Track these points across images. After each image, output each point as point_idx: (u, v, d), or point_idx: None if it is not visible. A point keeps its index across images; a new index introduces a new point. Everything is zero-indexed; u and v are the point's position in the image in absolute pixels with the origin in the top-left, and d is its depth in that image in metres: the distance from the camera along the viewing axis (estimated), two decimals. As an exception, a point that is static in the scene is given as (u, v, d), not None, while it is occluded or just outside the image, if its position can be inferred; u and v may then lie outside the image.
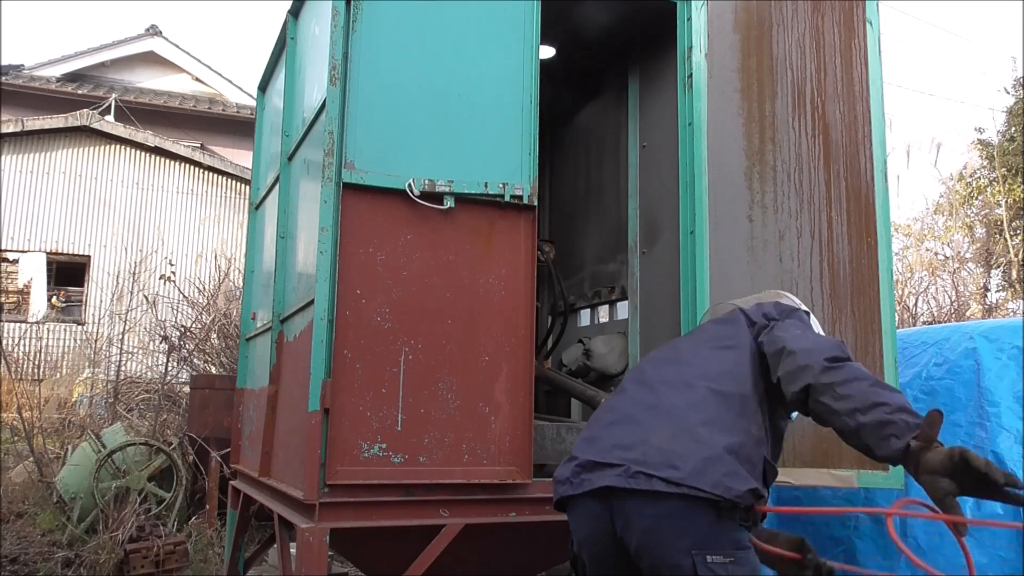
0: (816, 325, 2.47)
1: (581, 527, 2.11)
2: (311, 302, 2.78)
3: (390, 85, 2.90)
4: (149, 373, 8.00)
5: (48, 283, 11.85)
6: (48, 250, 11.98)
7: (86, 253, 12.13)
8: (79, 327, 10.50)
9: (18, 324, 10.33)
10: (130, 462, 5.56)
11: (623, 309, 4.40)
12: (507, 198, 2.97)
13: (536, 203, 3.06)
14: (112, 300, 8.98)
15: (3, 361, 7.36)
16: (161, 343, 7.51)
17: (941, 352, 3.78)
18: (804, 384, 2.05)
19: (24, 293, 11.72)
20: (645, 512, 1.95)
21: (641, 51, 4.39)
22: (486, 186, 2.95)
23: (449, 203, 2.89)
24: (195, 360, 7.45)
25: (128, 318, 7.96)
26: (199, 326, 7.71)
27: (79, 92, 14.12)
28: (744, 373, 2.20)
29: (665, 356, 2.38)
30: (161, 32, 15.73)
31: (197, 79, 15.94)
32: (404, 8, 2.96)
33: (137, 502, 5.27)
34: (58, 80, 14.61)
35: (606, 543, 2.06)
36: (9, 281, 11.85)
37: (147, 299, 8.14)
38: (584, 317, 4.88)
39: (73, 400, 8.19)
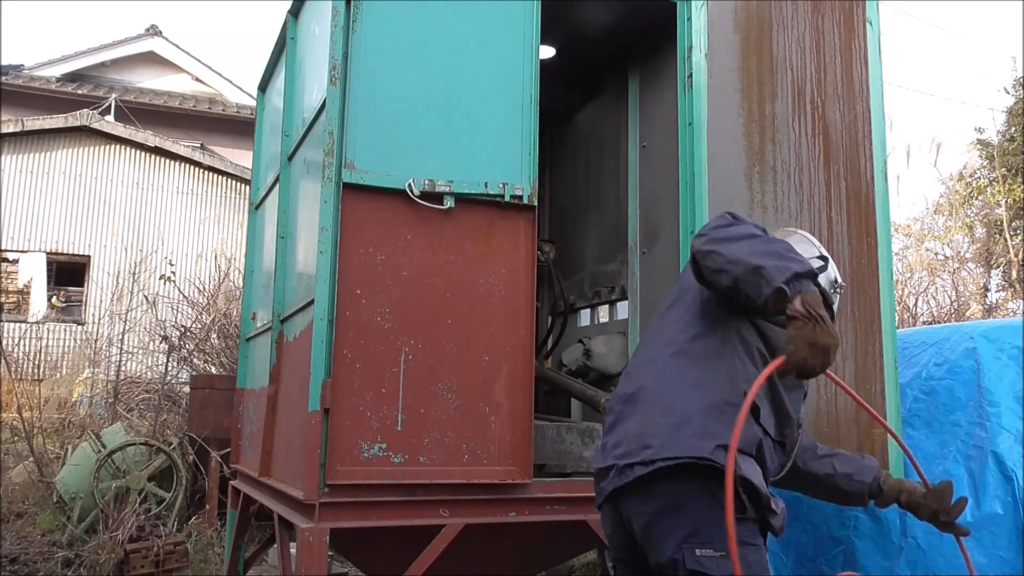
0: (833, 270, 2.36)
1: (607, 531, 2.15)
2: (311, 302, 2.78)
3: (390, 85, 2.90)
4: (149, 373, 8.00)
5: (48, 283, 11.84)
6: (48, 250, 11.98)
7: (86, 253, 12.13)
8: (79, 327, 10.50)
9: (18, 324, 10.33)
10: (130, 462, 5.56)
11: (623, 309, 4.40)
12: (507, 198, 2.97)
13: (536, 203, 3.06)
14: (112, 300, 8.98)
15: (3, 361, 7.36)
16: (161, 343, 7.51)
17: (941, 352, 3.77)
18: (696, 252, 1.99)
19: (24, 293, 11.71)
20: (641, 510, 1.94)
21: (641, 51, 4.39)
22: (486, 186, 2.95)
23: (449, 203, 2.89)
24: (195, 360, 7.45)
25: (128, 318, 7.96)
26: (199, 326, 7.71)
27: (79, 92, 14.12)
28: (703, 320, 2.07)
29: (642, 339, 2.32)
30: (161, 32, 15.72)
31: (197, 79, 15.94)
32: (404, 8, 2.96)
33: (137, 502, 5.27)
34: (58, 80, 14.60)
35: (626, 544, 2.09)
36: (9, 281, 11.85)
37: (147, 299, 8.14)
38: (584, 317, 4.88)
39: (73, 400, 8.19)
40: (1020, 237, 12.15)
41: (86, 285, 12.04)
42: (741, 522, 1.83)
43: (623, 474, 1.92)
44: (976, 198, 12.90)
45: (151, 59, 15.71)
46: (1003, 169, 12.14)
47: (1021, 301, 11.26)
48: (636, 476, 1.89)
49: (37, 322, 10.60)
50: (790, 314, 1.81)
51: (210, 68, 16.14)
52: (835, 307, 2.31)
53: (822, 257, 2.35)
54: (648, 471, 1.87)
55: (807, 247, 2.38)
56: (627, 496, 1.95)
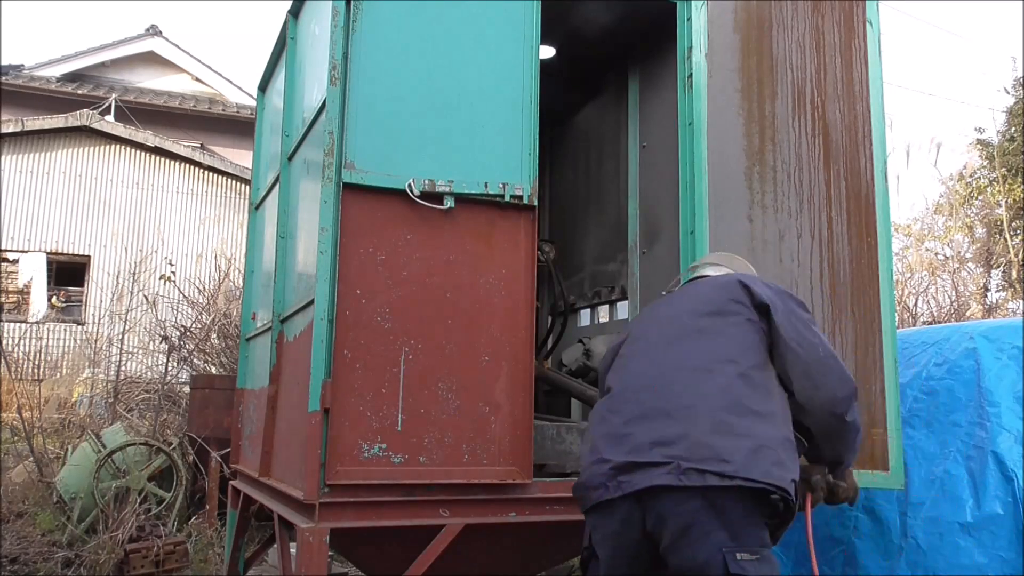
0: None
1: (610, 526, 2.11)
2: (311, 302, 2.78)
3: (390, 85, 2.90)
4: (149, 373, 8.00)
5: (48, 283, 11.84)
6: (48, 250, 11.98)
7: (86, 253, 12.13)
8: (79, 327, 10.50)
9: (18, 324, 10.33)
10: (130, 462, 5.56)
11: (623, 309, 4.40)
12: (507, 198, 2.97)
13: (536, 203, 3.06)
14: (112, 300, 8.98)
15: (3, 361, 7.36)
16: (161, 343, 7.51)
17: (941, 352, 3.78)
18: (827, 412, 2.24)
19: (24, 293, 11.71)
20: (680, 508, 1.98)
21: (641, 51, 4.39)
22: (486, 186, 2.95)
23: (449, 203, 2.89)
24: (195, 360, 7.45)
25: (128, 318, 7.96)
26: (199, 326, 7.70)
27: (79, 92, 14.12)
28: (760, 351, 2.21)
29: (668, 331, 2.32)
30: (161, 32, 15.72)
31: (197, 79, 15.93)
32: (404, 8, 2.96)
33: (137, 502, 5.27)
34: (58, 80, 14.60)
35: (633, 540, 2.08)
36: (9, 281, 11.84)
37: (147, 299, 8.14)
38: (584, 317, 4.88)
39: (73, 400, 8.19)
40: (1020, 237, 12.15)
41: (86, 285, 12.04)
42: (765, 526, 2.03)
43: (686, 475, 1.96)
44: (976, 198, 12.90)
45: (151, 59, 15.71)
46: (1003, 169, 12.14)
47: (1021, 301, 11.26)
48: (709, 484, 1.95)
49: (37, 322, 10.60)
50: (849, 469, 2.50)
51: (210, 68, 16.14)
52: None
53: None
54: (725, 484, 1.95)
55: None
56: (670, 493, 1.98)
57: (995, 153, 12.45)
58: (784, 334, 2.22)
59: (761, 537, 2.00)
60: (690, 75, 3.39)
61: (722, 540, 1.94)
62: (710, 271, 2.60)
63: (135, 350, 8.16)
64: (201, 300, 8.21)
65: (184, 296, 8.22)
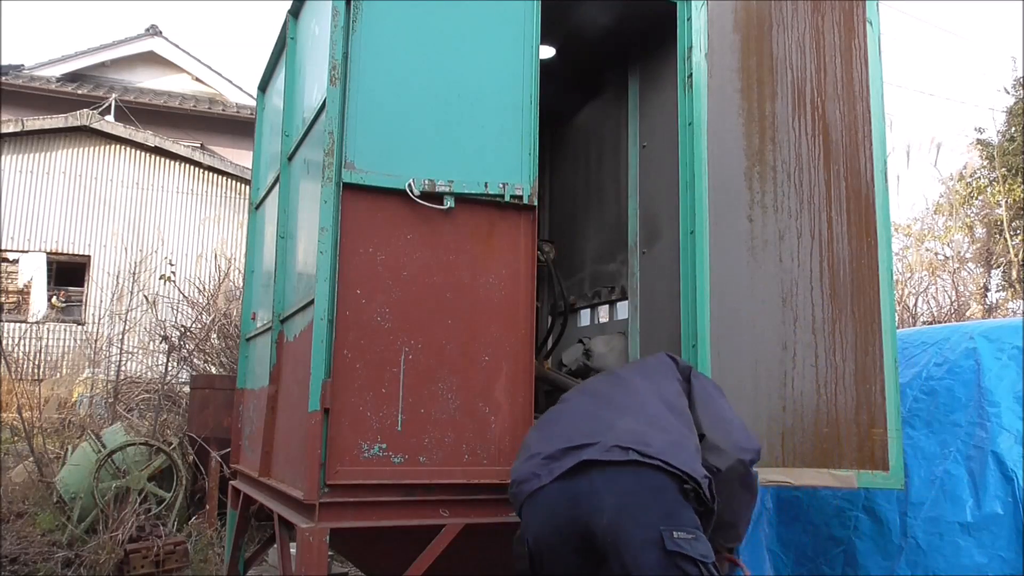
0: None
1: (544, 518, 2.22)
2: (311, 302, 2.78)
3: (390, 85, 2.90)
4: (149, 373, 8.00)
5: (48, 283, 11.84)
6: (48, 250, 11.98)
7: (86, 253, 12.13)
8: (79, 327, 10.50)
9: (18, 324, 10.33)
10: (130, 462, 5.56)
11: (623, 309, 4.40)
12: (507, 198, 2.97)
13: (536, 203, 3.06)
14: (112, 300, 8.98)
15: (3, 361, 7.36)
16: (161, 343, 7.51)
17: (941, 352, 3.78)
18: (717, 463, 2.38)
19: (24, 293, 11.71)
20: (616, 486, 2.10)
21: (641, 51, 4.39)
22: (486, 186, 2.95)
23: (449, 203, 2.89)
24: (195, 360, 7.45)
25: (128, 318, 7.96)
26: (199, 326, 7.71)
27: (79, 92, 14.12)
28: (681, 400, 2.53)
29: (604, 381, 2.72)
30: (161, 32, 15.73)
31: (197, 79, 15.94)
32: (404, 8, 2.96)
33: (137, 502, 5.28)
34: (58, 80, 14.61)
35: (570, 530, 2.16)
36: (9, 281, 11.85)
37: (147, 299, 8.14)
38: (584, 317, 4.88)
39: (73, 400, 8.19)
40: (1020, 237, 12.15)
41: (86, 285, 12.04)
42: (697, 512, 2.17)
43: (611, 452, 2.15)
44: (976, 198, 12.90)
45: (151, 59, 15.72)
46: (1003, 169, 12.14)
47: (1021, 301, 11.26)
48: (630, 459, 2.13)
49: (37, 322, 10.60)
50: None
51: (210, 68, 16.15)
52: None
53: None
54: (646, 462, 2.12)
55: None
56: (604, 470, 2.15)
57: (995, 153, 12.45)
58: (701, 391, 2.60)
59: (693, 519, 2.11)
60: (690, 75, 3.39)
61: (658, 518, 2.05)
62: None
63: (135, 350, 8.17)
64: (201, 300, 8.21)
65: (184, 296, 8.22)
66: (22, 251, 11.89)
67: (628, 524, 2.05)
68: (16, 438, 7.00)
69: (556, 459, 2.23)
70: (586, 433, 2.27)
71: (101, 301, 10.10)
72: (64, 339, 10.23)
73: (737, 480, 2.41)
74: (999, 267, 12.10)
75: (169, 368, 7.24)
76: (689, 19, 3.43)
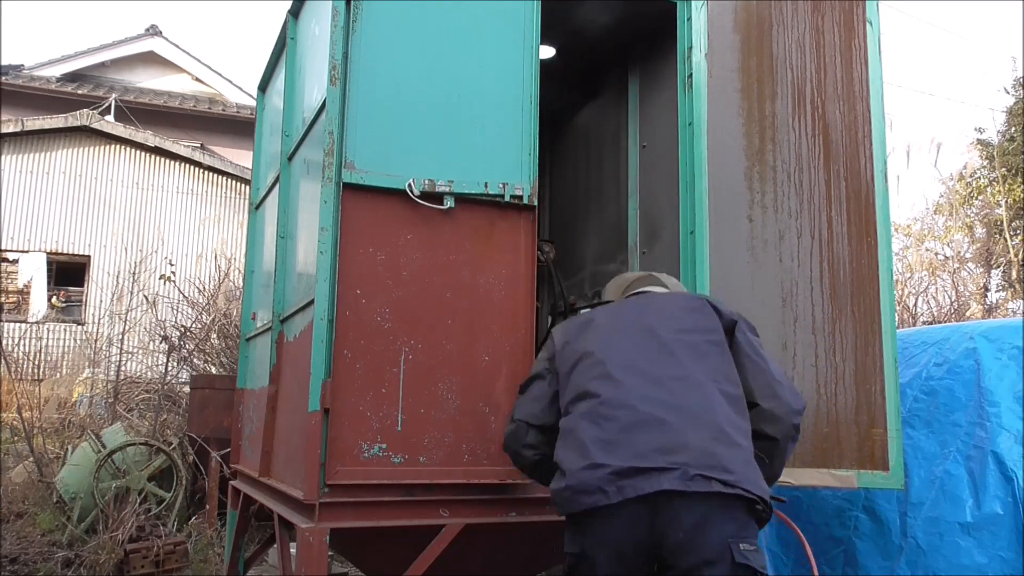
0: None
1: (610, 529, 2.12)
2: (311, 302, 2.78)
3: (390, 85, 2.90)
4: (149, 373, 8.00)
5: (48, 283, 11.84)
6: (48, 250, 11.98)
7: (86, 253, 12.12)
8: (79, 327, 10.49)
9: (18, 324, 10.32)
10: (130, 462, 5.56)
11: (623, 309, 4.39)
12: (507, 198, 2.97)
13: (536, 203, 3.06)
14: (112, 300, 8.98)
15: (3, 361, 7.36)
16: (161, 343, 7.51)
17: (941, 352, 3.78)
18: (774, 432, 2.34)
19: (24, 293, 11.71)
20: (695, 508, 2.06)
21: (641, 51, 4.39)
22: (486, 186, 2.95)
23: (449, 203, 2.89)
24: (195, 360, 7.45)
25: (128, 318, 7.96)
26: (199, 326, 7.70)
27: (79, 92, 14.11)
28: (734, 375, 2.35)
29: (648, 345, 2.37)
30: (161, 32, 15.72)
31: (197, 79, 15.93)
32: (404, 8, 2.96)
33: (137, 502, 5.27)
34: (58, 80, 14.60)
35: (637, 541, 2.12)
36: (9, 281, 11.84)
37: (147, 299, 8.14)
38: (584, 317, 4.87)
39: (73, 400, 8.19)
40: (1020, 237, 12.15)
41: (86, 285, 12.04)
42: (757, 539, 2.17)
43: (694, 481, 2.05)
44: (976, 198, 12.89)
45: (151, 59, 15.71)
46: (1003, 169, 12.13)
47: (1021, 301, 11.26)
48: (713, 491, 2.06)
49: (37, 322, 10.60)
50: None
51: (210, 68, 16.14)
52: None
53: None
54: (728, 492, 2.07)
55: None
56: (685, 500, 2.06)
57: (995, 153, 12.45)
58: (748, 350, 2.41)
59: (756, 530, 2.14)
60: (690, 75, 3.39)
61: (730, 532, 2.06)
62: (656, 288, 2.71)
63: (135, 350, 8.16)
64: (201, 300, 8.20)
65: (184, 296, 8.22)
66: (22, 251, 11.89)
67: (701, 540, 2.06)
68: (16, 438, 7.00)
69: (627, 477, 2.07)
70: (659, 448, 2.10)
71: (101, 301, 10.09)
72: (64, 339, 10.23)
73: (789, 441, 2.38)
74: (999, 267, 12.10)
75: (169, 368, 7.24)
76: (689, 19, 3.44)
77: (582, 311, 2.76)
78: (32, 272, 11.77)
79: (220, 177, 12.87)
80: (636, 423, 2.16)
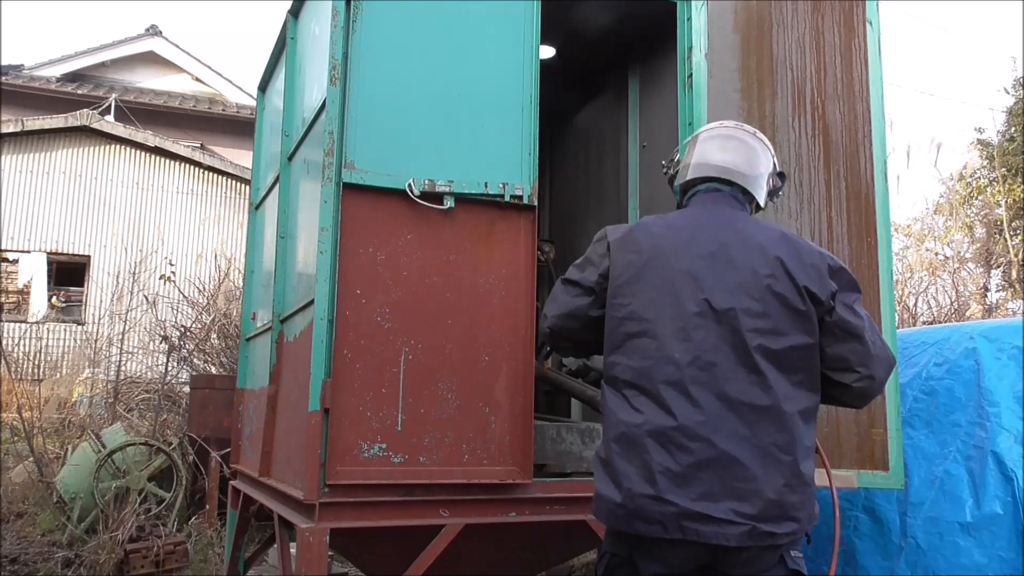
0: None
1: (666, 557, 2.02)
2: (311, 302, 2.78)
3: (390, 85, 2.90)
4: (149, 373, 8.00)
5: (48, 283, 11.84)
6: (48, 250, 11.97)
7: (86, 253, 12.12)
8: (79, 327, 10.49)
9: (18, 324, 10.32)
10: (130, 462, 5.56)
11: (623, 309, 4.39)
12: (507, 198, 2.97)
13: (536, 203, 3.06)
14: (112, 300, 8.97)
15: (3, 361, 7.36)
16: (161, 343, 7.51)
17: (941, 352, 3.78)
18: (870, 397, 2.20)
19: (24, 293, 11.71)
20: (753, 551, 2.00)
21: (641, 51, 4.40)
22: (486, 186, 2.95)
23: (449, 203, 2.89)
24: (195, 360, 7.45)
25: (128, 318, 7.95)
26: (199, 326, 7.70)
27: (79, 92, 14.11)
28: (816, 368, 2.10)
29: (727, 351, 2.03)
30: (161, 32, 15.72)
31: (197, 79, 15.93)
32: (404, 8, 2.96)
33: (137, 502, 5.27)
34: (58, 80, 14.60)
35: (690, 569, 2.05)
36: (9, 281, 11.84)
37: (147, 299, 8.13)
38: (584, 317, 4.87)
39: (73, 400, 8.18)
40: (1020, 237, 12.15)
41: (86, 285, 12.04)
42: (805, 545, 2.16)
43: (760, 538, 1.96)
44: (976, 198, 12.89)
45: (151, 59, 15.71)
46: (1003, 169, 12.13)
47: (1021, 301, 11.26)
48: (778, 544, 2.01)
49: (37, 322, 10.60)
50: None
51: (210, 68, 16.14)
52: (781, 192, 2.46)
53: (779, 174, 2.41)
54: (790, 539, 2.02)
55: (766, 155, 2.36)
56: (749, 550, 1.99)
57: (995, 153, 12.45)
58: (845, 329, 2.10)
59: (803, 542, 2.12)
60: (690, 75, 3.39)
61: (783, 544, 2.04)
62: (735, 182, 2.27)
63: (135, 350, 8.16)
64: (201, 300, 8.20)
65: (184, 296, 8.21)
66: (22, 251, 11.88)
67: (759, 563, 2.02)
68: (16, 438, 7.00)
69: (693, 520, 1.93)
70: (732, 494, 1.95)
71: (101, 301, 10.09)
72: (64, 339, 10.22)
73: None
74: (999, 267, 12.09)
75: (169, 368, 7.23)
76: (689, 19, 3.44)
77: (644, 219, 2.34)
78: (32, 272, 11.77)
79: (220, 177, 12.87)
80: (711, 461, 1.96)
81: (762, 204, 2.35)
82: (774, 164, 2.37)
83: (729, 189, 2.26)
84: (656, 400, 2.03)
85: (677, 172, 2.39)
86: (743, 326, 2.03)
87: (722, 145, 2.31)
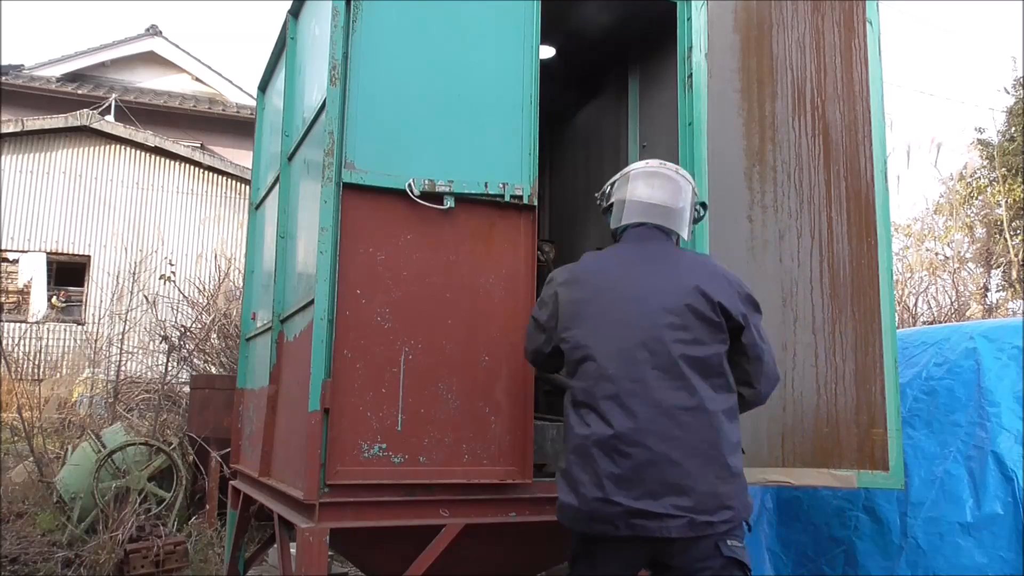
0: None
1: (616, 556, 2.33)
2: (311, 302, 2.78)
3: (390, 85, 2.90)
4: (149, 373, 8.00)
5: (48, 283, 11.84)
6: (48, 250, 11.98)
7: (86, 253, 12.13)
8: (79, 327, 10.49)
9: (18, 324, 10.32)
10: (130, 462, 5.56)
11: (623, 309, 4.39)
12: (507, 198, 2.97)
13: (536, 203, 3.06)
14: (112, 300, 8.97)
15: (3, 361, 7.36)
16: (161, 343, 7.51)
17: (941, 352, 3.77)
18: (756, 405, 2.59)
19: (24, 293, 11.71)
20: (691, 540, 2.25)
21: (641, 51, 4.40)
22: (486, 186, 2.95)
23: (449, 203, 2.89)
24: (195, 360, 7.45)
25: (128, 318, 7.95)
26: (199, 326, 7.70)
27: (79, 92, 14.11)
28: (730, 375, 2.41)
29: (656, 362, 2.31)
30: (161, 32, 15.73)
31: (197, 79, 15.94)
32: (404, 8, 2.96)
33: (137, 502, 5.27)
34: (58, 80, 14.60)
35: (639, 563, 2.35)
36: (9, 281, 11.84)
37: (147, 299, 8.13)
38: (584, 317, 4.87)
39: (73, 400, 8.18)
40: (1020, 237, 12.15)
41: (86, 285, 12.04)
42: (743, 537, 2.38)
43: (699, 527, 2.21)
44: (976, 198, 12.89)
45: (151, 59, 15.71)
46: (1003, 169, 12.13)
47: (1021, 301, 11.26)
48: (715, 532, 2.24)
49: (37, 322, 10.60)
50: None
51: (210, 68, 16.15)
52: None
53: (701, 204, 2.77)
54: (726, 528, 2.26)
55: (687, 189, 2.65)
56: (688, 540, 2.24)
57: (995, 153, 12.45)
58: (753, 352, 2.45)
59: (743, 534, 2.34)
60: (690, 75, 3.39)
61: (719, 533, 2.25)
62: (659, 221, 2.55)
63: (135, 350, 8.16)
64: (201, 300, 8.20)
65: (184, 296, 8.21)
66: (22, 251, 11.89)
67: (698, 551, 2.25)
68: (16, 438, 7.00)
69: (640, 517, 2.20)
70: (670, 489, 2.21)
71: (101, 301, 10.09)
72: (64, 339, 10.23)
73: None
74: (999, 267, 12.09)
75: (169, 368, 7.24)
76: (689, 19, 3.44)
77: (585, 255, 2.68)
78: (32, 272, 11.77)
79: (220, 177, 12.87)
80: (648, 463, 2.23)
81: (685, 236, 2.63)
82: (695, 193, 2.69)
83: (656, 224, 2.56)
84: (599, 414, 2.33)
85: (612, 205, 2.68)
86: (667, 339, 2.32)
87: (649, 182, 2.61)
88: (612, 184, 2.70)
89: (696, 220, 2.72)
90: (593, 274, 2.52)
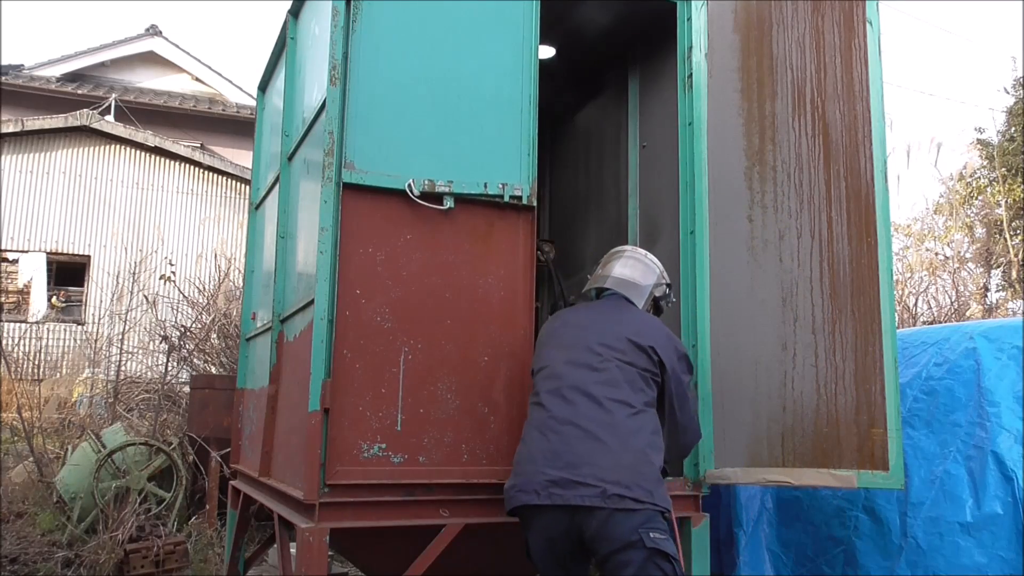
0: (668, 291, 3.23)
1: (542, 529, 2.56)
2: (311, 302, 2.79)
3: (390, 85, 2.90)
4: (149, 373, 8.00)
5: (48, 283, 11.84)
6: (48, 250, 11.98)
7: (86, 253, 12.13)
8: (79, 327, 10.49)
9: (18, 324, 10.32)
10: (130, 462, 5.56)
11: (623, 309, 4.39)
12: (506, 198, 2.97)
13: (536, 203, 3.06)
14: (112, 300, 8.97)
15: (3, 361, 7.36)
16: (161, 343, 7.51)
17: (941, 352, 3.77)
18: (679, 453, 3.07)
19: (24, 293, 11.71)
20: (603, 512, 2.47)
21: (641, 51, 4.40)
22: (485, 186, 2.95)
23: (449, 203, 2.89)
24: (195, 360, 7.45)
25: (128, 318, 7.95)
26: (199, 326, 7.70)
27: (79, 92, 14.11)
28: (648, 394, 2.77)
29: (599, 375, 2.71)
30: (161, 32, 15.73)
31: (197, 79, 15.94)
32: (404, 8, 2.96)
33: (137, 502, 5.27)
34: (58, 80, 14.60)
35: (560, 533, 2.54)
36: (9, 281, 11.85)
37: (147, 299, 8.13)
38: (584, 317, 4.87)
39: (73, 400, 8.18)
40: (1020, 237, 12.15)
41: (86, 285, 12.04)
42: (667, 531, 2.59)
43: (611, 499, 2.45)
44: (976, 198, 12.89)
45: (151, 59, 15.72)
46: (1003, 169, 12.13)
47: (1021, 301, 11.26)
48: (627, 508, 2.46)
49: (37, 322, 10.60)
50: None
51: (210, 68, 16.15)
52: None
53: (667, 283, 3.19)
54: (638, 508, 2.47)
55: (652, 272, 3.13)
56: (601, 511, 2.46)
57: (995, 153, 12.45)
58: (670, 402, 2.88)
59: (664, 524, 2.52)
60: (690, 75, 3.40)
61: (639, 522, 2.44)
62: (622, 290, 3.04)
63: (135, 350, 8.16)
64: (201, 300, 8.20)
65: (184, 296, 8.21)
66: (22, 251, 11.89)
67: (611, 531, 2.45)
68: (16, 438, 7.00)
69: (559, 486, 2.49)
70: (588, 460, 2.52)
71: (101, 301, 10.09)
72: (64, 339, 10.23)
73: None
74: (999, 267, 12.08)
75: (169, 368, 7.23)
76: (689, 19, 3.44)
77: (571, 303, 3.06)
78: (32, 272, 11.77)
79: (220, 177, 12.88)
80: (576, 438, 2.56)
81: (639, 305, 3.05)
82: (660, 275, 3.16)
83: (622, 292, 3.04)
84: (541, 405, 2.70)
85: (597, 278, 3.16)
86: (606, 353, 2.76)
87: (623, 263, 3.14)
88: (600, 262, 3.26)
89: (663, 298, 3.18)
90: (565, 321, 3.01)
